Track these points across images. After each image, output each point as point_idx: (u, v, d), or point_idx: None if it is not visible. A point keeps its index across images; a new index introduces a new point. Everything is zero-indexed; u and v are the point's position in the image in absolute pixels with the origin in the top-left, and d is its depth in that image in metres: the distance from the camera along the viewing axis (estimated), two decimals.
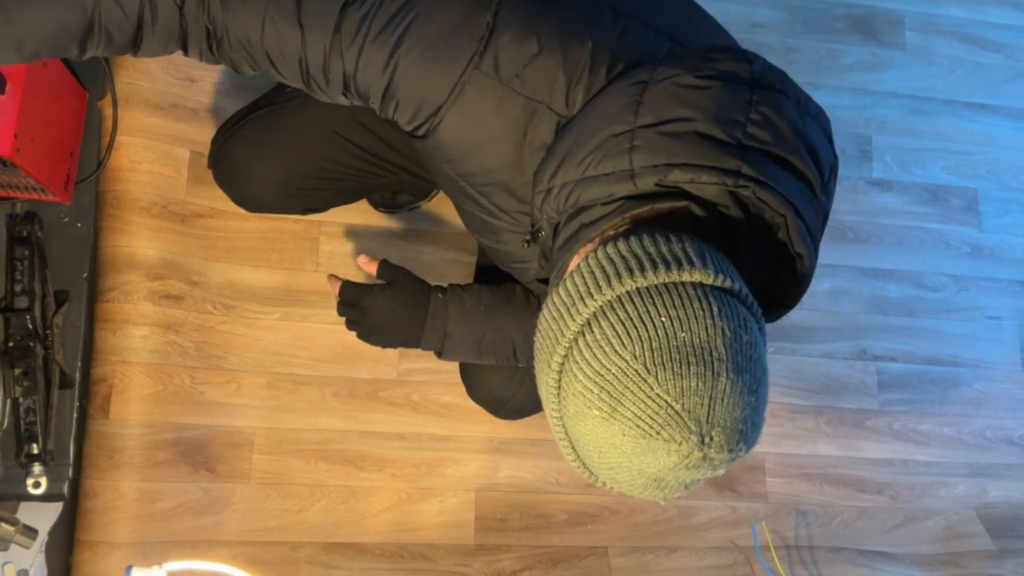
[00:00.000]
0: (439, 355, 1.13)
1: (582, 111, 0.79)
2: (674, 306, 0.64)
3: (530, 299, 1.13)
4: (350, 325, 1.12)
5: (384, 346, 1.12)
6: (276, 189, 1.21)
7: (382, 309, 1.09)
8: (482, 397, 1.28)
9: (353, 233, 1.46)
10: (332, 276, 1.15)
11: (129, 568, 0.83)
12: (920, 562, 1.61)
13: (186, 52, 0.87)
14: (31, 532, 1.02)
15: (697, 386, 0.62)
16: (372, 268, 1.13)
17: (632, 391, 0.63)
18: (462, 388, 1.30)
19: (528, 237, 0.87)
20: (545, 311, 0.71)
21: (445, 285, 1.12)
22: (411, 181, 1.26)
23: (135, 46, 0.85)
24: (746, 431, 0.65)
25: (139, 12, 0.81)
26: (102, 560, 1.25)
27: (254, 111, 1.20)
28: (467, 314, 1.10)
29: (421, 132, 0.85)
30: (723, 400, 0.63)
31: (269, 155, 1.18)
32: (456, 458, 1.41)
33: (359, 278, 1.44)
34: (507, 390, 1.24)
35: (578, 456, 0.73)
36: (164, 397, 1.32)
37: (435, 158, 0.88)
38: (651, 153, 0.72)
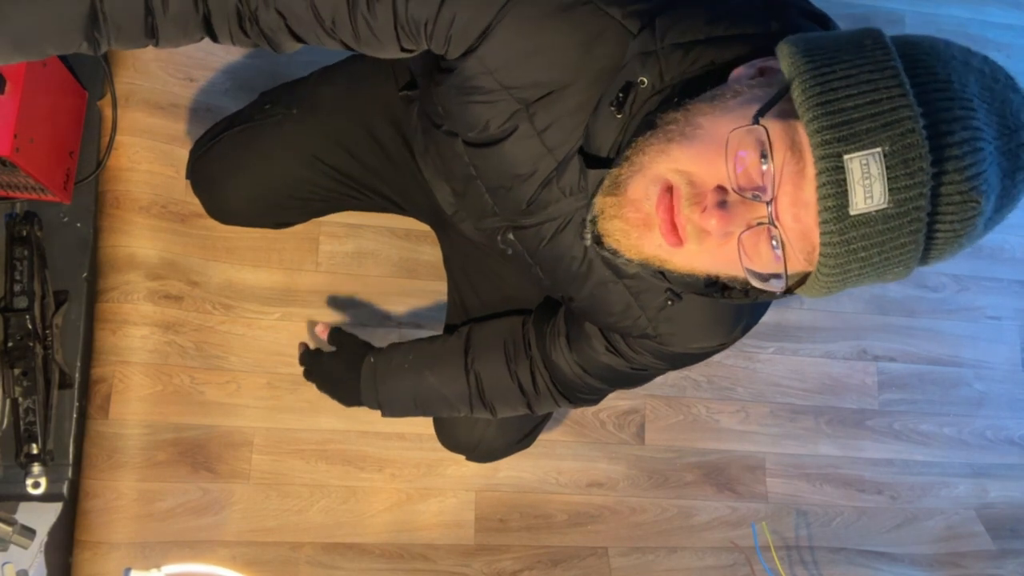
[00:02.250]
0: (382, 414, 1.20)
1: None
2: None
3: (463, 346, 1.15)
4: (317, 388, 1.26)
5: (344, 404, 1.24)
6: (248, 206, 1.22)
7: (328, 375, 1.24)
8: (450, 445, 1.30)
9: (353, 233, 1.46)
10: (301, 343, 1.29)
11: (127, 571, 0.83)
12: (920, 562, 1.61)
13: (214, 37, 0.82)
14: (29, 532, 1.02)
15: None
16: (325, 334, 1.27)
17: None
18: None
19: (614, 102, 0.75)
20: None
21: (385, 346, 1.21)
22: (384, 206, 1.26)
23: (152, 35, 0.80)
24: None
25: None
26: (102, 560, 1.25)
27: (231, 127, 1.19)
28: (394, 373, 1.17)
29: (475, 45, 0.78)
30: None
31: (242, 174, 1.18)
32: (456, 458, 1.41)
33: (355, 283, 1.45)
34: (472, 437, 1.26)
35: None
36: (164, 397, 1.32)
37: (478, 73, 0.79)
38: (793, 25, 0.72)
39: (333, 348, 1.26)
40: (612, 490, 1.51)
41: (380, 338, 1.43)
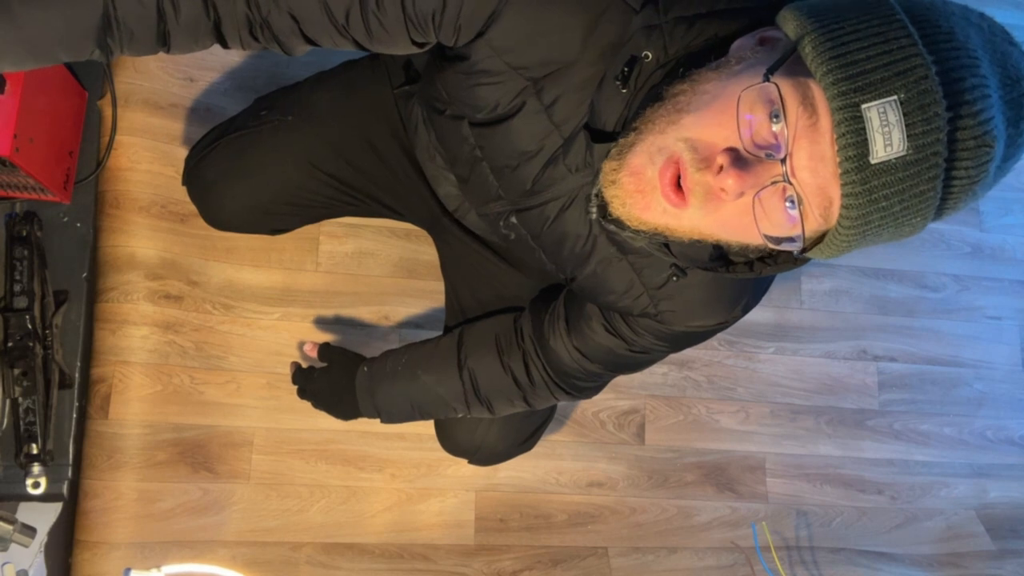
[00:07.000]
0: (381, 420, 1.20)
1: None
2: None
3: (455, 344, 1.15)
4: (313, 406, 1.26)
5: (339, 418, 1.24)
6: (243, 213, 1.22)
7: (322, 391, 1.24)
8: (451, 449, 1.30)
9: (353, 233, 1.46)
10: (293, 362, 1.30)
11: (127, 571, 0.83)
12: (920, 562, 1.61)
13: (225, 43, 0.82)
14: (29, 531, 1.02)
15: None
16: (315, 352, 1.27)
17: None
18: None
19: (619, 78, 0.75)
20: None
21: (378, 355, 1.21)
22: (381, 211, 1.26)
23: (164, 43, 0.80)
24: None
25: (158, 3, 0.77)
26: (102, 560, 1.25)
27: (228, 133, 1.18)
28: (388, 378, 1.17)
29: (483, 29, 0.79)
30: None
31: (238, 181, 1.18)
32: (455, 458, 1.41)
33: (355, 283, 1.45)
34: (472, 441, 1.26)
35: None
36: (164, 397, 1.32)
37: (485, 56, 0.80)
38: None
39: (324, 364, 1.26)
40: (612, 490, 1.51)
41: (380, 338, 1.43)
